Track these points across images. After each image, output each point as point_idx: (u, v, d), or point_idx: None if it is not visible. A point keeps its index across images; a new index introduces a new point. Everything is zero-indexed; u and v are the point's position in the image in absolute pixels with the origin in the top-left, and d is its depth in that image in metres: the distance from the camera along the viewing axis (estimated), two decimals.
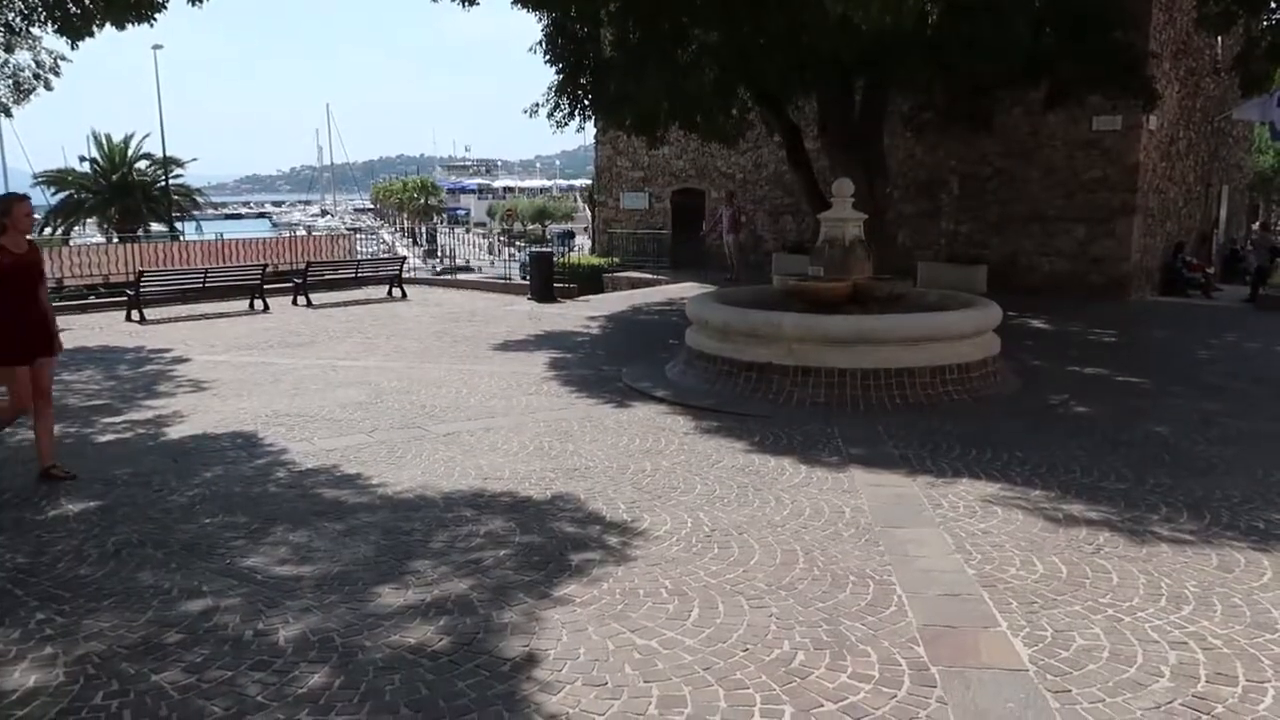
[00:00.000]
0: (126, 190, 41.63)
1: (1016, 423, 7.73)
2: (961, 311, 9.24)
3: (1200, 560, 4.67)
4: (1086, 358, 11.25)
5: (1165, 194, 18.37)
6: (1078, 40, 12.49)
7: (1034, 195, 17.59)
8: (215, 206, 70.30)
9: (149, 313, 15.20)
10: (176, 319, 15.14)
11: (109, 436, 7.48)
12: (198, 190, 48.89)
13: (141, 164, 43.40)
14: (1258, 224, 27.52)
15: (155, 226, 39.45)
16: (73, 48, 13.51)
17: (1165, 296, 18.03)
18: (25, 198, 6.24)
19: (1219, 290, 18.59)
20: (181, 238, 31.00)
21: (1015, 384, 9.22)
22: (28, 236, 6.03)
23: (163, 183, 42.28)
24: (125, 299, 15.51)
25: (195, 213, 46.82)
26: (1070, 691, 3.39)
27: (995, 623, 3.97)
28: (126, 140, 43.07)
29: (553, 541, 4.98)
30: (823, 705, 3.32)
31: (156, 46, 38.36)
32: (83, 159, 42.53)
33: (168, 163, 42.12)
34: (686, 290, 17.04)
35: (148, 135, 76.73)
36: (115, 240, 29.45)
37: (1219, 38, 19.39)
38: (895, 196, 17.87)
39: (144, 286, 15.31)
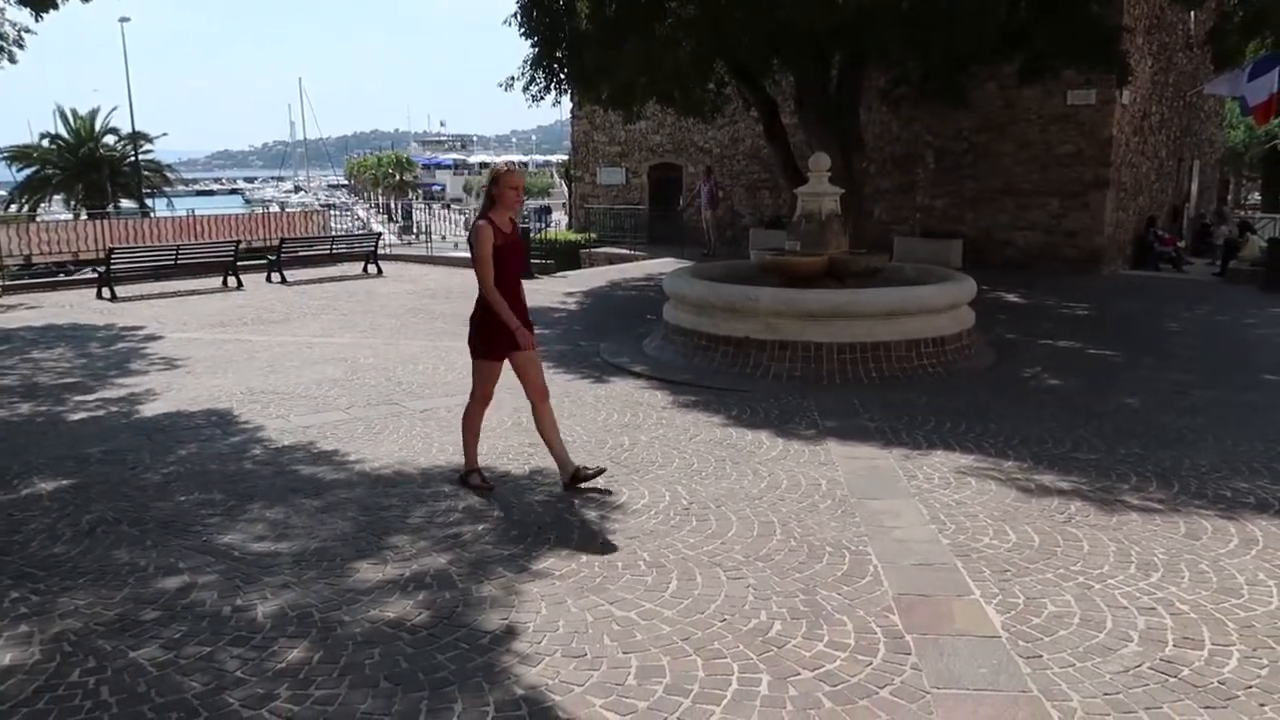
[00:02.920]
0: (94, 166, 40.93)
1: (990, 395, 7.81)
2: (936, 285, 9.30)
3: (1169, 528, 4.75)
4: (1060, 331, 11.36)
5: (1138, 168, 18.50)
6: (1052, 13, 12.51)
7: (1008, 169, 17.67)
8: (186, 183, 69.35)
9: (120, 290, 15.01)
10: (148, 296, 14.95)
11: (81, 415, 7.40)
12: (168, 166, 48.14)
13: (109, 139, 42.65)
14: (1228, 204, 27.82)
15: (125, 203, 38.86)
16: (37, 19, 13.24)
17: (1137, 270, 18.20)
18: (518, 170, 5.42)
19: (1190, 264, 18.80)
20: (152, 214, 30.58)
21: (989, 357, 9.31)
22: (511, 215, 5.32)
23: (132, 158, 41.59)
24: (96, 276, 15.31)
25: (166, 189, 46.13)
26: (1041, 657, 3.46)
27: (969, 591, 4.03)
28: (93, 114, 42.30)
29: (531, 516, 4.99)
30: (799, 674, 3.36)
31: (124, 19, 37.70)
32: (44, 136, 41.73)
33: (136, 138, 41.41)
34: (664, 265, 17.02)
35: (115, 109, 75.34)
36: (84, 217, 29.02)
37: (1192, 12, 19.49)
38: (871, 171, 17.89)
39: (115, 264, 15.10)
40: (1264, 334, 11.22)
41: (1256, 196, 38.21)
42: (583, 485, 5.37)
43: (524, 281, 5.38)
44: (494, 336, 5.21)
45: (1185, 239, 20.71)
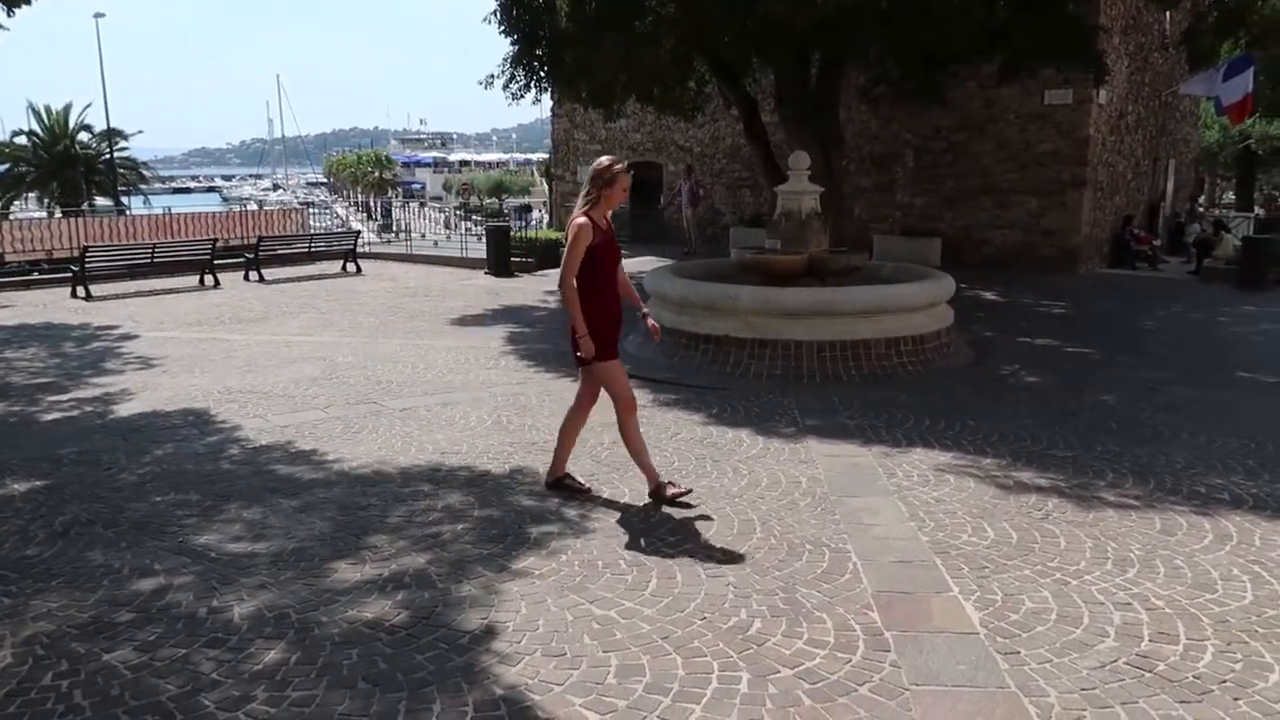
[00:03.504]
0: (69, 163, 40.54)
1: (969, 393, 7.85)
2: (915, 284, 9.34)
3: (1144, 524, 4.79)
4: (1037, 329, 11.44)
5: (1114, 167, 18.66)
6: (1030, 13, 12.59)
7: (987, 168, 17.78)
8: (163, 180, 68.68)
9: (95, 289, 14.86)
10: (124, 295, 14.81)
11: (55, 415, 7.31)
12: (144, 163, 47.72)
13: (84, 136, 42.22)
14: (1201, 203, 28.09)
15: (100, 201, 38.48)
16: (9, 14, 13.07)
17: (1114, 268, 18.36)
18: (630, 169, 5.13)
19: (1165, 262, 18.98)
20: (128, 212, 30.28)
21: (968, 355, 9.36)
22: (608, 213, 5.09)
23: (107, 156, 41.18)
24: (70, 275, 15.13)
25: (142, 186, 45.73)
26: (1019, 653, 3.47)
27: (947, 588, 4.05)
28: (66, 110, 41.85)
29: (511, 515, 4.97)
30: (779, 671, 3.36)
31: (98, 15, 37.29)
32: (17, 133, 41.27)
33: (111, 135, 40.99)
34: (645, 264, 17.00)
35: (89, 105, 74.09)
36: (58, 215, 28.69)
37: (1167, 13, 19.67)
38: (851, 169, 17.96)
39: (89, 262, 14.94)
40: (1238, 331, 11.34)
41: (1231, 196, 38.63)
42: (562, 487, 5.32)
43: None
44: (604, 335, 5.00)
45: (1161, 238, 20.92)
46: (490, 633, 3.66)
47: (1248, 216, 25.83)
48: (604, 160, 5.02)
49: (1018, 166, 17.48)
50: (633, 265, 18.12)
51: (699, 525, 4.80)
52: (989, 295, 14.27)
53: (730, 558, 4.38)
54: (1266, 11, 15.91)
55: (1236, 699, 3.17)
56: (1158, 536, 4.63)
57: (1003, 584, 4.08)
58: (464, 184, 59.54)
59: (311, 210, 30.06)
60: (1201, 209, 25.07)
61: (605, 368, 5.08)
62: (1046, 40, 12.74)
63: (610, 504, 5.14)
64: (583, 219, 4.92)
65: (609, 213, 5.09)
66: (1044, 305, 13.53)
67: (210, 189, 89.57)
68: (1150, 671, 3.34)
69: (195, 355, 9.68)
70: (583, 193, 5.00)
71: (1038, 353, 9.88)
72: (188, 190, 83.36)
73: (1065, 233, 17.26)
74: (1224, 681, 3.28)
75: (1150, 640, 3.57)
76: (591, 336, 4.96)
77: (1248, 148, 31.88)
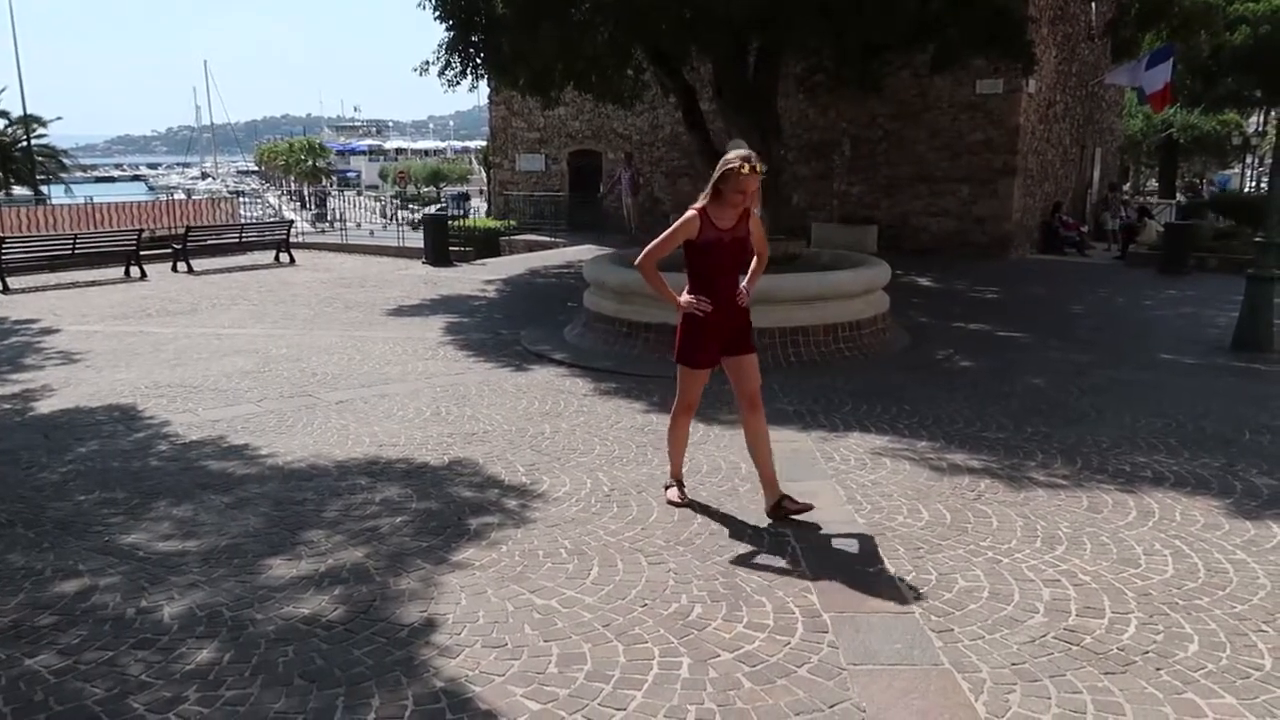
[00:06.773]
0: None
1: (904, 377, 7.98)
2: (853, 271, 9.45)
3: (1072, 503, 4.93)
4: (970, 314, 11.68)
5: (1044, 155, 19.11)
6: (963, 4, 12.79)
7: (921, 157, 18.07)
8: (84, 169, 66.38)
9: (12, 281, 14.32)
10: (44, 288, 14.32)
11: None
12: (64, 151, 46.03)
13: None
14: (1124, 191, 28.88)
15: (18, 190, 37.07)
16: None
17: (1043, 254, 18.83)
18: (756, 169, 4.51)
19: (1093, 248, 19.52)
20: (48, 202, 29.25)
21: (904, 340, 9.52)
22: (754, 209, 4.70)
23: (24, 143, 39.62)
24: None
25: (63, 175, 44.15)
26: (953, 630, 3.55)
27: (884, 568, 4.11)
28: None
29: (451, 506, 4.93)
30: (719, 655, 3.39)
31: None
32: None
33: (28, 121, 39.46)
34: (584, 253, 16.96)
35: (3, 89, 71.26)
36: None
37: (1093, 4, 20.17)
38: (789, 158, 18.09)
39: (6, 253, 14.39)
40: (1160, 315, 11.72)
41: (1154, 183, 39.86)
42: (788, 516, 4.67)
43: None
44: (694, 340, 4.79)
45: (1088, 224, 21.49)
46: (430, 625, 3.62)
47: (1170, 203, 26.68)
48: (730, 155, 4.58)
49: (951, 155, 17.79)
50: (572, 254, 18.07)
51: (641, 512, 4.81)
52: (924, 281, 14.52)
53: (671, 544, 4.40)
54: (1186, 4, 16.42)
55: (1158, 669, 3.27)
56: (1085, 514, 4.76)
57: (937, 564, 4.16)
58: (400, 172, 58.63)
59: (242, 200, 29.39)
60: (1126, 197, 25.78)
61: (682, 371, 4.90)
62: (977, 30, 12.96)
63: (551, 493, 5.12)
64: (693, 211, 4.63)
65: (749, 208, 4.66)
66: (977, 291, 13.82)
67: (135, 178, 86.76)
68: (1077, 645, 3.44)
69: (121, 349, 9.40)
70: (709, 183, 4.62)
71: (971, 337, 10.09)
72: (111, 179, 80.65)
73: (997, 220, 17.64)
74: (1146, 652, 3.39)
75: (1077, 615, 3.68)
76: (683, 339, 4.82)
77: (1170, 136, 32.91)
